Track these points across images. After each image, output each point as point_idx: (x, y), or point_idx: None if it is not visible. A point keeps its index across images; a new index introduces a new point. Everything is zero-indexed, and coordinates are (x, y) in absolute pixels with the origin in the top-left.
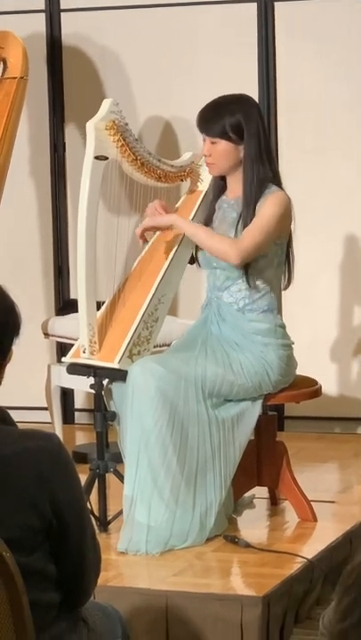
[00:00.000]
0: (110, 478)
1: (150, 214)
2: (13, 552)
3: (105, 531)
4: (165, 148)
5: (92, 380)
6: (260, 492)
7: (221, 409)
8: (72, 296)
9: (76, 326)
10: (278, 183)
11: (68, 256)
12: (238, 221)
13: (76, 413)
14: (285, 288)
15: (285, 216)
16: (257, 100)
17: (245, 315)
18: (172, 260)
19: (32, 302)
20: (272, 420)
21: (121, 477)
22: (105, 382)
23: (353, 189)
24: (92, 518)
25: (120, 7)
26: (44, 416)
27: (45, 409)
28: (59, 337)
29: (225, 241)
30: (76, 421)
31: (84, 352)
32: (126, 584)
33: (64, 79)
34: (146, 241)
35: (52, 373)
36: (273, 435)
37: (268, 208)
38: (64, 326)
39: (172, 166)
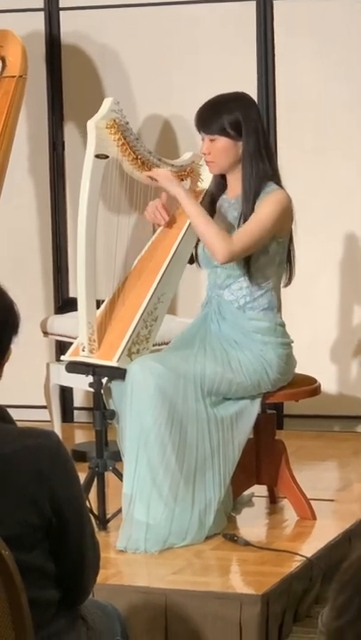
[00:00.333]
0: (109, 477)
1: (151, 212)
2: (12, 550)
3: (104, 529)
4: (165, 147)
5: (91, 379)
6: (259, 491)
7: (220, 407)
8: (71, 295)
9: (75, 325)
10: (278, 181)
11: (67, 254)
12: (240, 220)
13: (75, 412)
14: (287, 285)
15: (284, 214)
16: (256, 99)
17: (246, 313)
18: (171, 259)
19: (31, 301)
20: (271, 419)
21: (120, 476)
22: (104, 381)
23: (353, 189)
24: (92, 516)
25: (119, 5)
26: (43, 414)
27: (44, 407)
28: (58, 335)
29: (219, 237)
30: (75, 420)
31: (83, 350)
32: (125, 582)
33: (63, 78)
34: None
35: (51, 372)
36: (272, 433)
37: (263, 208)
38: (63, 325)
39: (173, 165)
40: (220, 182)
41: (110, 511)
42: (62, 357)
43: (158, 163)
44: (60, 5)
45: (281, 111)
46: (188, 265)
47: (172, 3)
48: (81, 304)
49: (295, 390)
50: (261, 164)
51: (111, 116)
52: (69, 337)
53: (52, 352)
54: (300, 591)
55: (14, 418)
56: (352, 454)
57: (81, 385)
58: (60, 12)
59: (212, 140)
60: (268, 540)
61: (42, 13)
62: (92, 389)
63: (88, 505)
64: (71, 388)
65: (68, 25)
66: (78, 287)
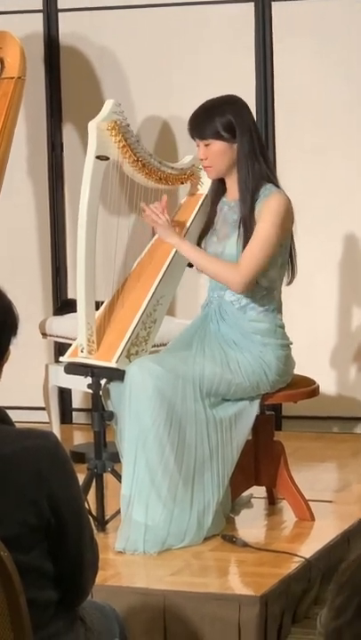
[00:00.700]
0: (108, 478)
1: (149, 214)
2: (11, 550)
3: (103, 530)
4: (163, 148)
5: (89, 380)
6: (257, 492)
7: (219, 408)
8: (70, 296)
9: (74, 326)
10: (275, 181)
11: (66, 256)
12: (240, 224)
13: (74, 413)
14: (289, 283)
15: (286, 219)
16: (256, 99)
17: (246, 314)
18: (171, 261)
19: (30, 302)
20: (270, 420)
21: (118, 477)
22: (103, 382)
23: (353, 189)
24: (90, 518)
25: (118, 7)
26: (41, 416)
27: (43, 409)
28: (56, 337)
29: (227, 269)
30: (73, 421)
31: (82, 351)
32: (124, 583)
33: (62, 79)
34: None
35: (50, 373)
36: (271, 434)
37: (264, 223)
38: (62, 326)
39: (173, 168)
40: (219, 187)
41: (109, 512)
42: (61, 358)
43: (159, 165)
44: (59, 7)
45: (280, 111)
46: (188, 268)
47: (171, 4)
48: (80, 305)
49: (294, 391)
50: (257, 165)
51: (112, 118)
52: (68, 338)
53: (50, 353)
54: (299, 592)
55: (13, 419)
56: (351, 455)
57: (80, 386)
58: (59, 14)
59: (207, 145)
60: (267, 541)
61: (40, 15)
62: (90, 390)
63: (87, 506)
64: (70, 390)
65: (67, 26)
66: (78, 288)
